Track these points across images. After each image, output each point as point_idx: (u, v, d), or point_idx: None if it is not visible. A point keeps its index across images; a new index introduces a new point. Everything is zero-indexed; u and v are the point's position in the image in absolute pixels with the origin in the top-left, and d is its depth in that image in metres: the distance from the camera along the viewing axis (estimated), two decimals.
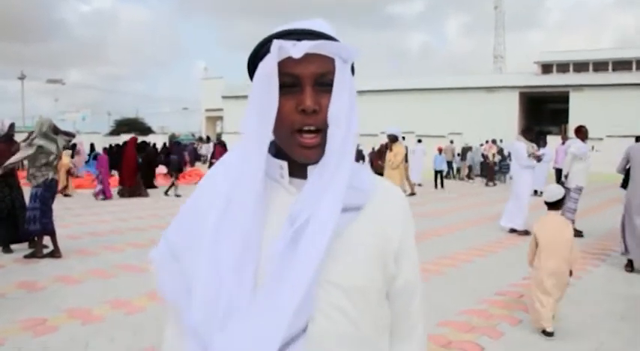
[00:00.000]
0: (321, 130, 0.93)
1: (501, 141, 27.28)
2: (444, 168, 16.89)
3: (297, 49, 0.88)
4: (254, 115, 0.93)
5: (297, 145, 0.94)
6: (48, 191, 6.63)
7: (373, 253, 0.99)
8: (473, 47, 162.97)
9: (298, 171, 0.98)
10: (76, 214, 10.71)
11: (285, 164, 0.98)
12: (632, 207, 6.32)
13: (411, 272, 1.08)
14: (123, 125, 53.98)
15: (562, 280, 4.15)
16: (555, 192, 4.54)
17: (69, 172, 14.35)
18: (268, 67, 0.90)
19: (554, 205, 4.51)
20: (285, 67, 0.91)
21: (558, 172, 12.68)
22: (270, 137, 0.94)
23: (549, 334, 4.13)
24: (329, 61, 0.93)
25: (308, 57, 0.90)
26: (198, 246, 0.94)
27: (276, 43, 0.89)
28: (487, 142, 23.23)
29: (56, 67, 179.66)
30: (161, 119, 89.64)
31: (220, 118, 51.68)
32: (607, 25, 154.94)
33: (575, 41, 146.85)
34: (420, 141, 20.85)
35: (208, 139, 30.01)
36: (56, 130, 6.87)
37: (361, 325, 0.96)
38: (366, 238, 0.98)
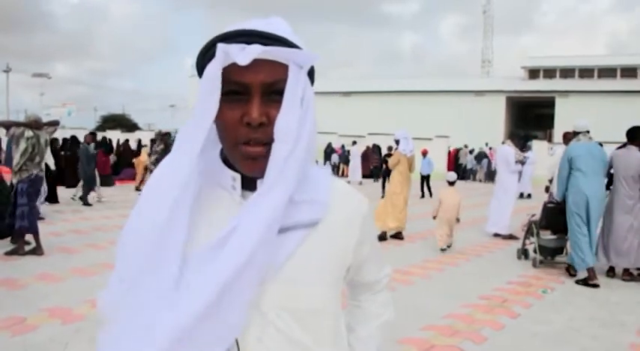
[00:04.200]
0: (270, 143, 0.86)
1: (487, 146, 27.63)
2: (430, 172, 16.25)
3: (244, 56, 0.80)
4: (192, 121, 0.87)
5: (241, 156, 0.87)
6: (32, 187, 6.54)
7: (329, 273, 0.94)
8: (463, 50, 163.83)
9: (250, 184, 0.91)
10: (58, 210, 10.59)
11: (238, 177, 0.92)
12: (614, 209, 6.39)
13: (374, 274, 1.10)
14: (109, 121, 53.48)
15: (452, 222, 7.56)
16: (454, 176, 7.98)
17: (146, 169, 14.67)
18: (211, 72, 0.84)
19: (452, 184, 7.79)
20: (232, 73, 0.83)
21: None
22: (200, 144, 0.87)
23: (444, 250, 7.60)
24: (282, 68, 0.85)
25: (258, 63, 0.82)
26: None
27: (220, 47, 0.82)
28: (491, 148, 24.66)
29: (42, 60, 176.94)
30: (148, 116, 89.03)
31: None
32: (595, 31, 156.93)
33: (564, 47, 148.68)
34: (354, 143, 21.98)
35: None
36: (39, 125, 6.77)
37: (314, 349, 0.92)
38: (322, 256, 0.93)
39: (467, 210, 12.37)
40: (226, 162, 0.93)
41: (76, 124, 38.45)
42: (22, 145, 6.43)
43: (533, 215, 7.13)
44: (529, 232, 7.07)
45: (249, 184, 0.92)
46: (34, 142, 6.49)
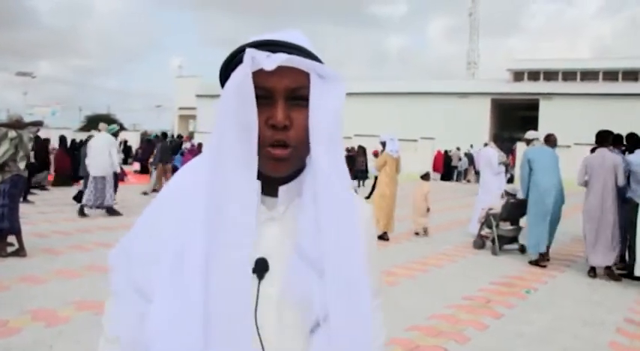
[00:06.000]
0: (293, 146, 0.89)
1: (472, 147, 27.86)
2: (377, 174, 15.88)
3: (270, 61, 0.84)
4: (231, 130, 0.87)
5: (266, 157, 0.89)
6: (15, 187, 6.47)
7: None
8: (450, 52, 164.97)
9: (269, 189, 0.95)
10: (41, 211, 10.48)
11: (258, 182, 0.92)
12: (595, 211, 6.55)
13: (372, 279, 1.09)
14: (94, 121, 52.99)
15: (422, 209, 9.09)
16: (425, 170, 9.76)
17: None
18: (241, 77, 0.85)
19: (423, 177, 9.43)
20: (257, 79, 0.86)
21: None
22: (256, 155, 0.88)
23: (418, 234, 9.14)
24: (303, 75, 0.89)
25: (281, 70, 0.86)
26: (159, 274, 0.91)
27: (249, 51, 0.85)
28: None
29: (26, 58, 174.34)
30: (133, 116, 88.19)
31: (193, 116, 51.19)
32: (579, 35, 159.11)
33: (549, 50, 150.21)
34: None
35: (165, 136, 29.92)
36: (20, 125, 6.71)
37: None
38: None
39: (451, 211, 12.47)
40: None
41: (61, 124, 38.05)
42: (5, 146, 6.36)
43: (490, 209, 8.02)
44: (486, 224, 8.07)
45: (269, 190, 0.95)
46: (17, 143, 6.43)
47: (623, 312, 5.18)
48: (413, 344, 4.08)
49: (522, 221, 7.93)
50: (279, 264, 0.92)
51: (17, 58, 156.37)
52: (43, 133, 15.97)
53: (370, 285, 1.06)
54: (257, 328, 0.90)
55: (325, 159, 0.89)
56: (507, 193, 8.19)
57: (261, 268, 0.91)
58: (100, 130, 10.62)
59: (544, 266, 7.06)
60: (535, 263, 7.16)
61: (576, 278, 6.54)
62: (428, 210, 9.08)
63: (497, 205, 8.12)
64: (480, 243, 8.20)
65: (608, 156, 6.57)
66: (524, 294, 5.70)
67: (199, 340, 0.86)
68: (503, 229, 7.87)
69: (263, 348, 0.90)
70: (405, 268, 6.59)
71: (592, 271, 6.59)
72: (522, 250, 7.84)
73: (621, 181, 6.41)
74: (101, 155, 9.84)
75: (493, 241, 7.88)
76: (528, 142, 7.93)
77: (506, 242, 7.91)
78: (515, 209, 7.80)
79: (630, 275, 6.34)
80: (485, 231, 8.12)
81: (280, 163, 0.90)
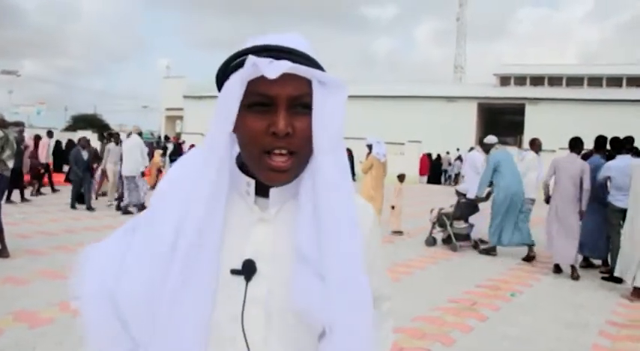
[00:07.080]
0: (294, 153, 0.88)
1: (458, 150, 28.04)
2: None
3: (272, 69, 0.82)
4: (214, 128, 0.89)
5: (266, 167, 0.88)
6: None
7: None
8: (438, 56, 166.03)
9: (262, 190, 0.94)
10: (24, 211, 10.36)
11: (252, 182, 0.94)
12: (562, 210, 6.83)
13: (377, 283, 1.06)
14: (80, 121, 52.46)
15: (398, 208, 9.34)
16: (400, 172, 9.83)
17: (160, 170, 15.68)
18: (236, 80, 0.85)
19: (399, 177, 9.65)
20: (259, 86, 0.85)
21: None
22: (221, 155, 0.89)
23: (400, 233, 9.30)
24: (305, 82, 0.88)
25: (284, 77, 0.84)
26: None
27: (251, 58, 0.83)
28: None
29: (11, 56, 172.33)
30: (120, 117, 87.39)
31: (180, 117, 50.91)
32: (566, 41, 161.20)
33: (535, 55, 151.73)
34: None
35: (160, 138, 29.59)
36: (5, 124, 6.66)
37: None
38: None
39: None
40: (241, 168, 0.95)
41: (46, 124, 37.64)
42: None
43: (441, 209, 8.53)
44: (438, 223, 8.53)
45: (261, 191, 0.94)
46: (4, 142, 6.37)
47: (605, 314, 5.25)
48: (397, 347, 4.09)
49: (471, 219, 8.53)
50: (268, 266, 0.91)
51: (2, 57, 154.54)
52: (28, 133, 15.76)
53: (373, 290, 1.04)
54: (243, 330, 0.89)
55: (330, 165, 0.88)
56: (458, 193, 8.73)
57: (248, 269, 0.90)
58: (129, 134, 11.42)
59: (533, 258, 7.71)
60: (486, 252, 7.99)
61: (560, 281, 6.60)
62: (393, 207, 9.48)
63: (446, 205, 8.57)
64: (431, 241, 8.64)
65: (578, 161, 6.87)
66: (510, 297, 5.75)
67: (189, 341, 0.87)
68: (458, 227, 8.38)
69: (249, 350, 0.89)
70: (390, 271, 6.60)
71: (575, 272, 6.67)
72: (476, 246, 8.39)
73: (587, 185, 6.65)
74: (132, 156, 10.65)
75: (449, 238, 8.38)
76: (489, 146, 8.35)
77: (461, 239, 8.40)
78: (466, 208, 8.40)
79: (613, 278, 6.41)
80: (438, 229, 8.58)
81: (281, 173, 0.88)
